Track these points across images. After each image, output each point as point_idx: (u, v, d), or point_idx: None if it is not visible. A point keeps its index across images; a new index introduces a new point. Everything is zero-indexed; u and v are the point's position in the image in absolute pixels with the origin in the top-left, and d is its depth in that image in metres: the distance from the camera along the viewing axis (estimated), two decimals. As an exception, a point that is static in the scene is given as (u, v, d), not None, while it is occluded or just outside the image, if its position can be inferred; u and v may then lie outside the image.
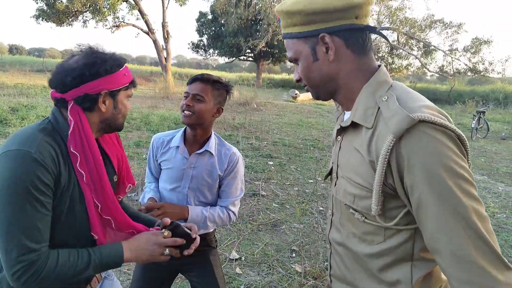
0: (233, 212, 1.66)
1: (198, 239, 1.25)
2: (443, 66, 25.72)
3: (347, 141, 0.92)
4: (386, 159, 0.75)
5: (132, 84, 1.14)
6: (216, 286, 1.65)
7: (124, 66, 1.10)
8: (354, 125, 0.88)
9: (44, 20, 19.49)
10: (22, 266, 0.90)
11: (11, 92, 11.47)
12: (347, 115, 0.93)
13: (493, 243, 0.69)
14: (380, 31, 0.89)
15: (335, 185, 0.97)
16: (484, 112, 10.56)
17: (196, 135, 1.60)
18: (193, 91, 1.53)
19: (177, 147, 1.62)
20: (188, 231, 1.22)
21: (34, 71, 24.95)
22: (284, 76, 40.64)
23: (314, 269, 2.81)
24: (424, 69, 26.55)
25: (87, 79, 1.01)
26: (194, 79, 1.55)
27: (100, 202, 1.06)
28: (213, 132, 1.67)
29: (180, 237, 1.19)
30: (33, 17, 19.59)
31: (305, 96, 19.62)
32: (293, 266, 2.94)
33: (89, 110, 1.05)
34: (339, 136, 0.96)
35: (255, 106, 13.56)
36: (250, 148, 6.83)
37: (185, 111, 1.53)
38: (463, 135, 0.75)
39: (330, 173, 1.07)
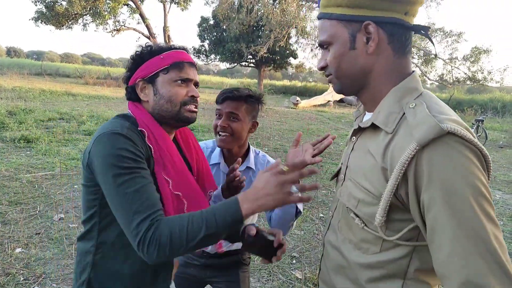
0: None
1: (286, 244, 1.12)
2: (443, 74, 25.87)
3: (361, 143, 0.87)
4: (404, 169, 0.69)
5: (175, 66, 1.09)
6: None
7: (164, 53, 1.10)
8: (373, 127, 0.82)
9: (43, 22, 19.50)
10: (142, 235, 0.89)
11: (9, 96, 11.51)
12: (367, 116, 0.89)
13: None
14: (422, 28, 0.81)
15: (341, 186, 0.92)
16: (482, 121, 10.62)
17: (233, 152, 1.51)
18: (226, 109, 1.42)
19: (217, 164, 1.53)
20: (272, 237, 1.10)
21: (32, 74, 24.95)
22: (286, 82, 40.76)
23: (315, 275, 2.80)
24: (424, 77, 26.68)
25: (130, 73, 1.12)
26: (225, 98, 1.44)
27: (170, 178, 1.06)
28: (249, 145, 1.59)
29: (265, 246, 1.08)
30: (32, 19, 19.60)
31: (306, 103, 19.66)
32: (293, 273, 2.92)
33: (138, 101, 1.12)
34: (354, 137, 0.92)
35: (255, 112, 13.58)
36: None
37: (220, 133, 1.43)
38: (489, 155, 0.70)
39: (337, 174, 1.02)
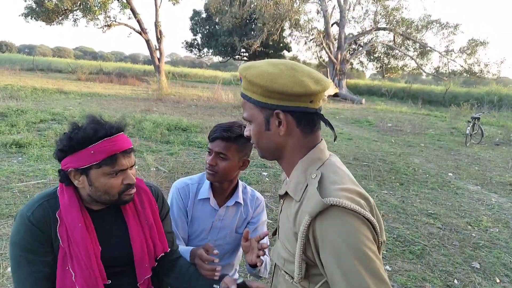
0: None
1: None
2: (438, 67, 25.83)
3: (285, 206, 1.00)
4: (303, 236, 0.82)
5: (107, 161, 1.06)
6: None
7: (93, 144, 1.05)
8: (288, 194, 0.96)
9: (33, 18, 19.26)
10: None
11: (0, 95, 11.31)
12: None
13: None
14: (325, 118, 0.95)
15: (274, 245, 1.07)
16: (478, 118, 10.56)
17: (223, 187, 1.56)
18: (216, 149, 1.46)
19: (207, 199, 1.57)
20: None
21: (24, 70, 24.69)
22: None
23: None
24: (420, 70, 26.64)
25: (60, 156, 1.09)
26: (215, 138, 1.47)
27: (74, 271, 1.08)
28: (238, 180, 1.64)
29: None
30: (22, 15, 19.31)
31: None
32: None
33: (70, 185, 1.11)
34: (281, 200, 1.04)
35: (250, 108, 13.48)
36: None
37: (208, 170, 1.49)
38: (372, 218, 0.81)
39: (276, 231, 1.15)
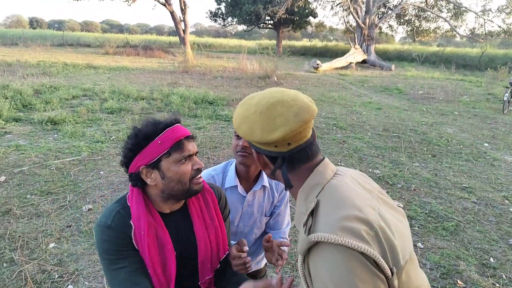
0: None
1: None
2: (474, 28, 24.35)
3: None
4: (302, 274, 0.82)
5: (175, 148, 1.10)
6: None
7: (158, 136, 1.10)
8: None
9: (60, -6, 19.48)
10: None
11: (34, 72, 11.71)
12: None
13: None
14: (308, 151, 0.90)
15: None
16: (518, 83, 9.98)
17: (249, 173, 1.55)
18: None
19: (234, 186, 1.57)
20: None
21: (55, 46, 25.37)
22: (305, 42, 39.47)
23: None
24: (454, 32, 25.24)
25: (129, 157, 1.13)
26: None
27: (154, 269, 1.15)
28: None
29: None
30: (50, -10, 19.58)
31: (327, 66, 19.07)
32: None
33: (143, 186, 1.16)
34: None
35: (276, 79, 13.30)
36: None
37: (239, 152, 1.46)
38: (369, 251, 0.73)
39: None
